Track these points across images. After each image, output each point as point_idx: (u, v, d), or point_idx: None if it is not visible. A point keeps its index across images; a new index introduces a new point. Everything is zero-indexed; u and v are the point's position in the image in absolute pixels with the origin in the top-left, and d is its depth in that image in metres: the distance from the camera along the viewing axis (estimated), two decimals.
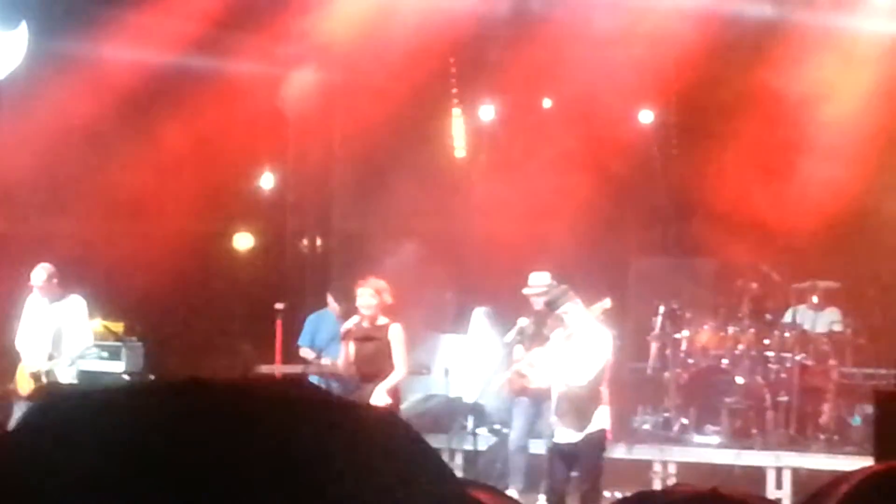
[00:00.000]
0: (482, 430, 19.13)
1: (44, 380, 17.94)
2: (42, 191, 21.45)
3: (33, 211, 21.54)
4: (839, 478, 8.06)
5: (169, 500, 4.54)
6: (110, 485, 4.50)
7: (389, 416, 5.45)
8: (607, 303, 16.64)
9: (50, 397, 5.64)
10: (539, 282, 17.00)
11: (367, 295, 17.04)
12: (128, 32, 20.73)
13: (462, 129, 23.40)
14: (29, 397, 17.97)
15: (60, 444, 4.72)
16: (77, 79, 20.44)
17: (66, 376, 18.04)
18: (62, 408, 5.09)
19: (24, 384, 18.08)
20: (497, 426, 19.87)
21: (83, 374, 19.32)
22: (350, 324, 17.08)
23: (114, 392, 5.28)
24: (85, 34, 20.72)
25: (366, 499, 4.91)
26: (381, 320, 16.95)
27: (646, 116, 22.81)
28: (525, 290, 17.14)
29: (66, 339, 18.08)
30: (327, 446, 5.07)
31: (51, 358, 17.99)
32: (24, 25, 21.03)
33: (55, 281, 18.15)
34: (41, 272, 18.14)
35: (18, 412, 17.94)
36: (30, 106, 20.59)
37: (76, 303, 18.32)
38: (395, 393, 16.91)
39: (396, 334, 16.90)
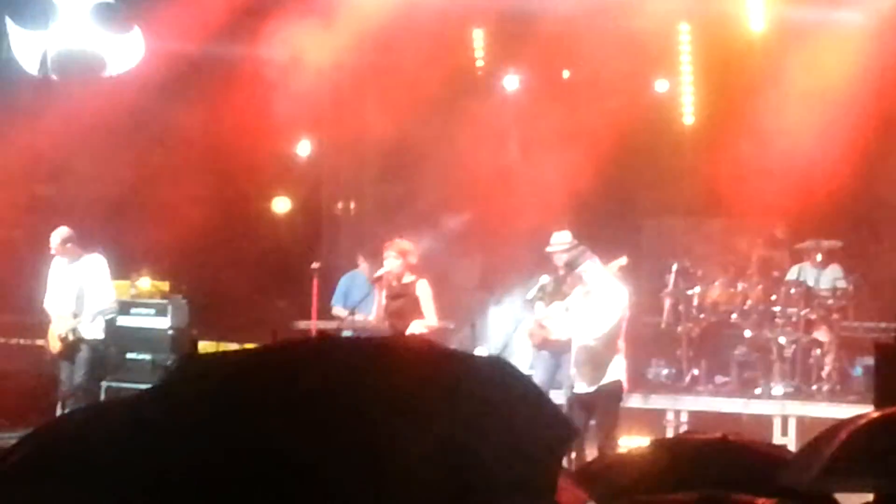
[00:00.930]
0: None
1: (70, 338, 18.03)
2: (107, 163, 21.61)
3: (100, 180, 21.75)
4: (841, 423, 8.11)
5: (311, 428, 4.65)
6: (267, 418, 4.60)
7: (510, 367, 5.53)
8: (623, 260, 16.75)
9: (188, 358, 5.75)
10: (560, 240, 17.03)
11: (392, 257, 17.26)
12: (185, 27, 20.92)
13: (488, 97, 23.36)
14: (60, 354, 18.12)
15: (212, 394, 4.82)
16: (148, 66, 20.58)
17: (91, 332, 18.11)
18: (203, 365, 5.22)
19: (54, 342, 18.22)
20: None
21: (129, 331, 19.44)
22: (381, 272, 17.28)
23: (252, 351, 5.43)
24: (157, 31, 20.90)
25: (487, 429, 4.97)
26: (408, 278, 17.16)
27: (661, 86, 22.76)
28: (548, 249, 17.15)
29: (89, 297, 18.15)
30: (465, 397, 5.15)
31: (75, 316, 18.06)
32: (137, 30, 21.14)
33: (70, 244, 18.19)
34: (56, 236, 18.22)
35: (60, 366, 18.15)
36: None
37: (96, 262, 18.35)
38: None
39: (423, 289, 17.11)
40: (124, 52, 21.19)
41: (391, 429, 4.93)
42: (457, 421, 5.03)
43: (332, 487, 4.83)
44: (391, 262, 17.33)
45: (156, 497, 4.83)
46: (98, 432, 5.28)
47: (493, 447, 5.01)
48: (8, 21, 20.39)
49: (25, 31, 20.49)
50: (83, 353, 18.15)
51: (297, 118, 23.02)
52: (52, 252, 18.30)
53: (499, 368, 5.52)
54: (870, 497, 7.63)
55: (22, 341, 19.83)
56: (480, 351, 19.41)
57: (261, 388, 5.06)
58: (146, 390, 5.56)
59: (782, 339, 20.11)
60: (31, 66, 20.43)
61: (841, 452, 7.39)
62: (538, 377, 18.31)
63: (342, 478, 4.81)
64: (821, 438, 7.83)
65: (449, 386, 5.18)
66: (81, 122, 21.12)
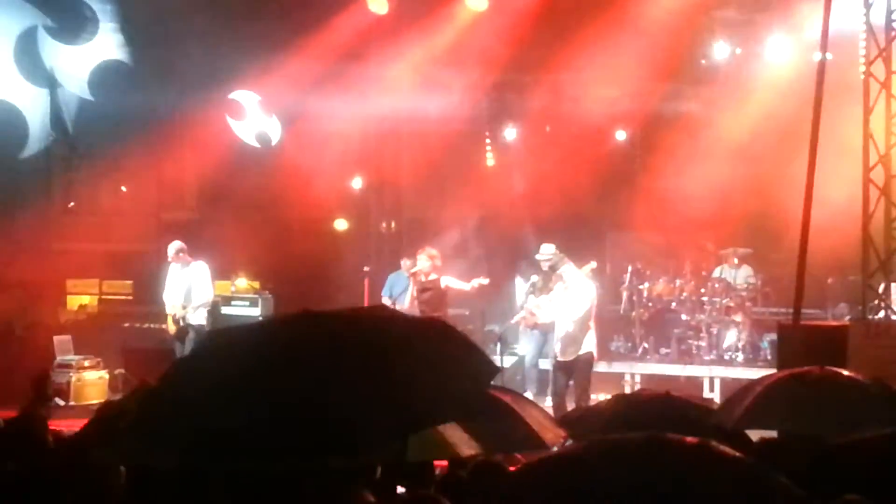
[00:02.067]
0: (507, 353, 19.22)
1: (181, 323, 18.19)
2: (216, 195, 22.13)
3: (210, 207, 22.15)
4: (755, 381, 8.19)
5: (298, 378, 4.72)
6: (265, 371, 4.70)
7: (449, 326, 5.62)
8: (593, 264, 16.78)
9: (219, 329, 5.91)
10: (546, 251, 17.07)
11: (423, 259, 17.45)
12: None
13: (492, 145, 23.45)
14: (174, 336, 18.27)
15: (230, 350, 4.92)
16: None
17: (196, 320, 18.24)
18: (229, 333, 5.33)
19: (171, 327, 18.34)
20: (516, 350, 19.97)
21: (231, 318, 19.58)
22: (416, 269, 17.48)
23: (259, 321, 5.54)
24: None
25: (437, 372, 5.03)
26: (433, 275, 17.26)
27: (621, 135, 22.81)
28: (536, 256, 17.23)
29: (194, 294, 18.25)
30: (410, 342, 5.26)
31: (184, 307, 18.20)
32: (275, 118, 22.63)
33: (181, 254, 18.33)
34: (174, 247, 18.39)
35: (174, 344, 18.29)
36: None
37: (201, 267, 18.46)
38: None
39: (448, 280, 17.33)
40: (274, 130, 22.63)
41: (365, 367, 5.05)
42: (413, 362, 5.14)
43: (310, 420, 4.93)
44: (422, 263, 17.50)
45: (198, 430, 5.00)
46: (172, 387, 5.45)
47: (438, 378, 5.13)
48: (228, 118, 22.63)
49: (237, 123, 22.68)
50: (190, 335, 18.22)
51: (352, 162, 23.20)
52: (169, 260, 18.43)
53: (441, 326, 5.65)
54: (766, 433, 7.77)
55: (152, 325, 19.90)
56: (489, 330, 19.52)
57: (265, 350, 5.21)
58: (189, 354, 5.73)
59: (709, 321, 20.18)
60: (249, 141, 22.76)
61: (756, 401, 7.54)
62: (532, 350, 18.43)
63: (321, 411, 4.93)
64: (741, 391, 8.01)
65: (407, 340, 5.30)
66: (194, 165, 21.37)
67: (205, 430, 4.89)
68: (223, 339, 5.76)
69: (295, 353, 5.14)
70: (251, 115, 22.63)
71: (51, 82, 21.62)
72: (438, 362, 5.22)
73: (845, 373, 7.91)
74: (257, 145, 22.54)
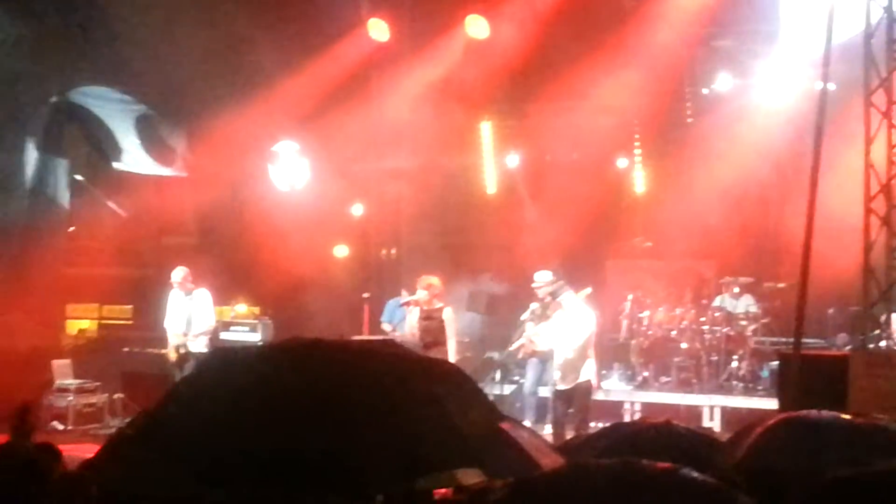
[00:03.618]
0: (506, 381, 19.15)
1: (182, 351, 18.11)
2: (215, 221, 22.05)
3: (211, 233, 22.14)
4: (753, 422, 8.18)
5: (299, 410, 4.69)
6: (266, 399, 4.69)
7: (452, 365, 5.59)
8: (588, 290, 16.72)
9: (223, 350, 5.85)
10: (542, 278, 17.01)
11: (423, 287, 17.23)
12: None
13: (493, 172, 23.39)
14: (174, 363, 18.19)
15: (235, 378, 4.88)
16: None
17: (197, 347, 18.14)
18: (235, 355, 5.28)
19: (172, 353, 18.23)
20: (516, 378, 19.91)
21: (231, 343, 19.51)
22: (410, 299, 17.32)
23: (267, 345, 5.49)
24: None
25: (439, 413, 5.00)
26: (436, 304, 17.10)
27: (622, 162, 22.78)
28: (533, 284, 17.16)
29: (195, 321, 18.17)
30: (420, 385, 5.22)
31: (185, 335, 18.10)
32: (306, 160, 23.05)
33: (188, 280, 18.26)
34: (179, 273, 18.29)
35: (174, 371, 18.16)
36: None
37: (203, 294, 18.39)
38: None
39: (448, 316, 17.06)
40: (304, 175, 23.02)
41: (364, 412, 5.02)
42: (418, 407, 5.12)
43: (315, 455, 4.92)
44: (420, 293, 17.31)
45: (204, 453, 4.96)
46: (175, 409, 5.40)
47: (442, 426, 5.12)
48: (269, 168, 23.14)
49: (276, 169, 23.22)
50: (190, 363, 18.16)
51: (352, 189, 23.22)
52: (174, 285, 18.36)
53: (449, 369, 5.64)
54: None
55: (152, 350, 19.87)
56: (488, 357, 19.44)
57: (268, 374, 5.17)
58: (190, 373, 5.70)
59: (709, 350, 20.12)
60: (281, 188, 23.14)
61: (756, 441, 7.60)
62: (530, 378, 18.35)
63: (326, 446, 4.90)
64: (741, 433, 8.13)
65: (414, 383, 5.28)
66: (194, 190, 21.36)
67: (213, 458, 4.89)
68: (230, 361, 5.74)
69: (307, 385, 5.13)
70: (287, 163, 22.82)
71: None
72: (448, 407, 5.21)
73: (844, 416, 7.97)
74: (287, 189, 22.71)
